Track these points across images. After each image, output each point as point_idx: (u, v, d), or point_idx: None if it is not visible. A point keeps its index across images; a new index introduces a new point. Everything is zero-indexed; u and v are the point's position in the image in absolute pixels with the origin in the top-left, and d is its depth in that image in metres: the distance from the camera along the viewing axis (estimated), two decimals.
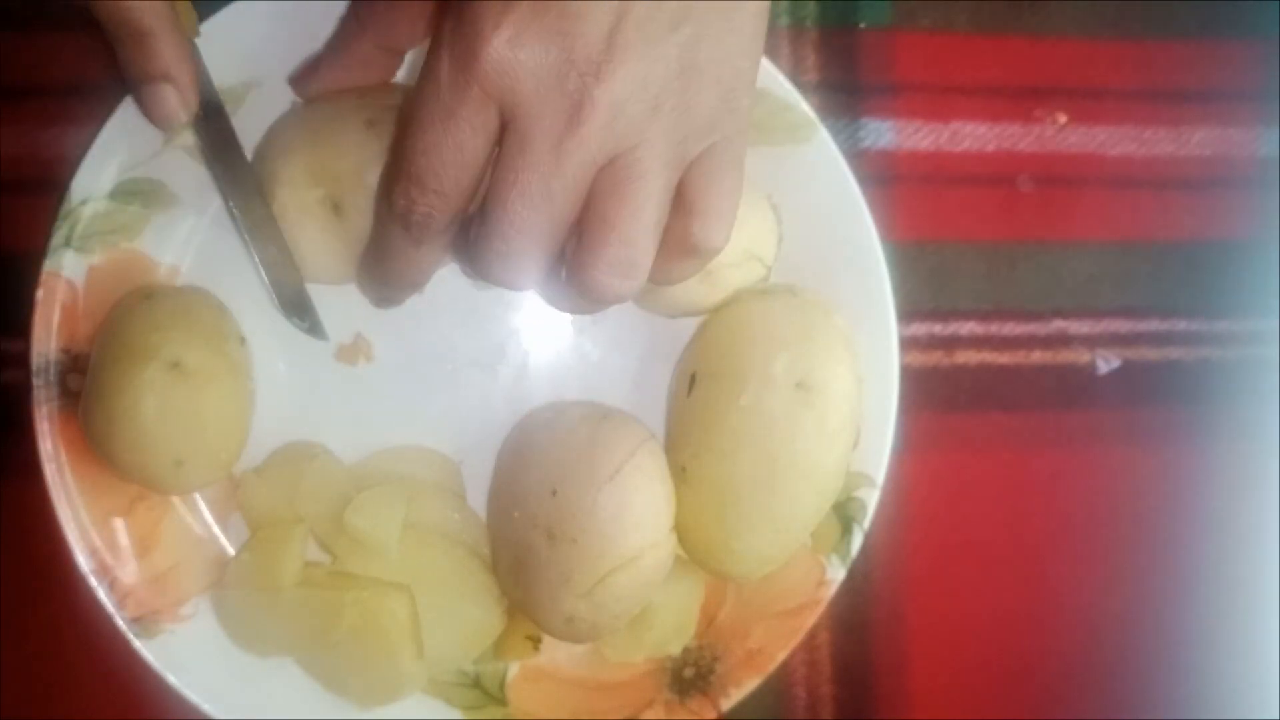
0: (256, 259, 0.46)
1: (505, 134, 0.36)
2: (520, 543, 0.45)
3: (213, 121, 0.45)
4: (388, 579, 0.46)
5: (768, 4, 0.39)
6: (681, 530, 0.45)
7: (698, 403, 0.46)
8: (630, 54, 0.35)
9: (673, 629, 0.48)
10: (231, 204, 0.46)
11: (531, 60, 0.35)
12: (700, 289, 0.46)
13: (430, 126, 0.37)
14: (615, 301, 0.39)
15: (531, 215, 0.37)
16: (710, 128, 0.38)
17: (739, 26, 0.38)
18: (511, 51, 0.35)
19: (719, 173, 0.39)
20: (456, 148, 0.37)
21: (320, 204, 0.45)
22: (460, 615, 0.47)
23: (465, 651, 0.47)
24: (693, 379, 0.46)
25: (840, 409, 0.45)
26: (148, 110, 0.43)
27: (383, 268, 0.41)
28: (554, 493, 0.44)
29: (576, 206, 0.37)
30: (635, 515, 0.43)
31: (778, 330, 0.45)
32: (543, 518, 0.44)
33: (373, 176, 0.44)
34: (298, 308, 0.47)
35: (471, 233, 0.38)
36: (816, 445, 0.44)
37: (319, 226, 0.45)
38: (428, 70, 0.37)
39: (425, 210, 0.38)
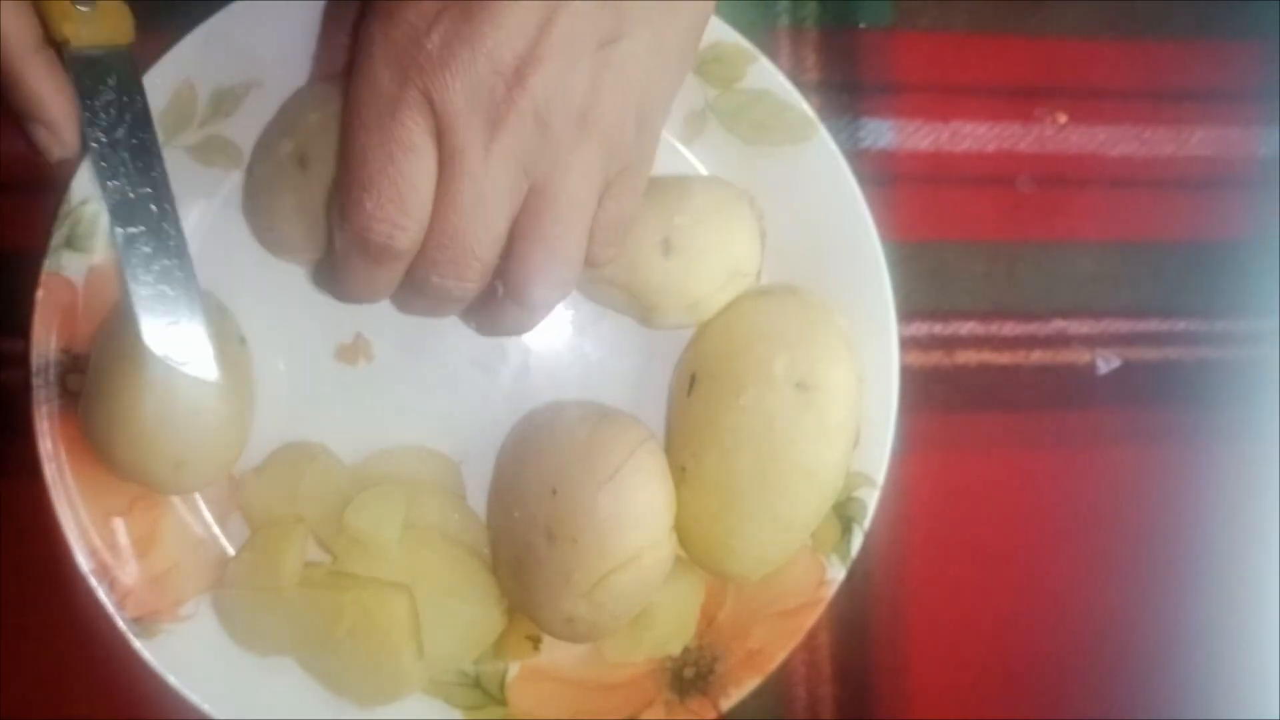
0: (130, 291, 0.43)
1: (439, 144, 0.36)
2: (520, 542, 0.45)
3: (134, 136, 0.43)
4: (388, 579, 0.46)
5: (703, 21, 0.38)
6: (681, 530, 0.45)
7: (698, 403, 0.46)
8: (551, 62, 0.35)
9: (673, 629, 0.48)
10: (118, 227, 0.43)
11: (461, 66, 0.35)
12: (688, 318, 0.47)
13: (373, 128, 0.36)
14: (546, 314, 0.41)
15: (468, 225, 0.36)
16: (628, 150, 0.38)
17: (669, 47, 0.37)
18: (443, 55, 0.35)
19: (623, 199, 0.39)
20: (408, 148, 0.36)
21: (290, 160, 0.44)
22: (460, 615, 0.46)
23: (465, 651, 0.47)
24: (693, 379, 0.46)
25: (840, 409, 0.45)
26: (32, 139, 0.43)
27: (345, 289, 0.40)
28: (554, 492, 0.44)
29: (510, 215, 0.37)
30: (635, 515, 0.43)
31: (778, 330, 0.45)
32: (543, 518, 0.44)
33: (335, 127, 0.42)
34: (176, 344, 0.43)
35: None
36: (816, 445, 0.44)
37: (290, 188, 0.44)
38: (363, 72, 0.36)
39: (386, 230, 0.37)
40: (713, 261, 0.46)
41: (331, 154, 0.43)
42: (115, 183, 0.43)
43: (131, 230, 0.43)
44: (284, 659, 0.46)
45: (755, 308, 0.47)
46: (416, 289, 0.39)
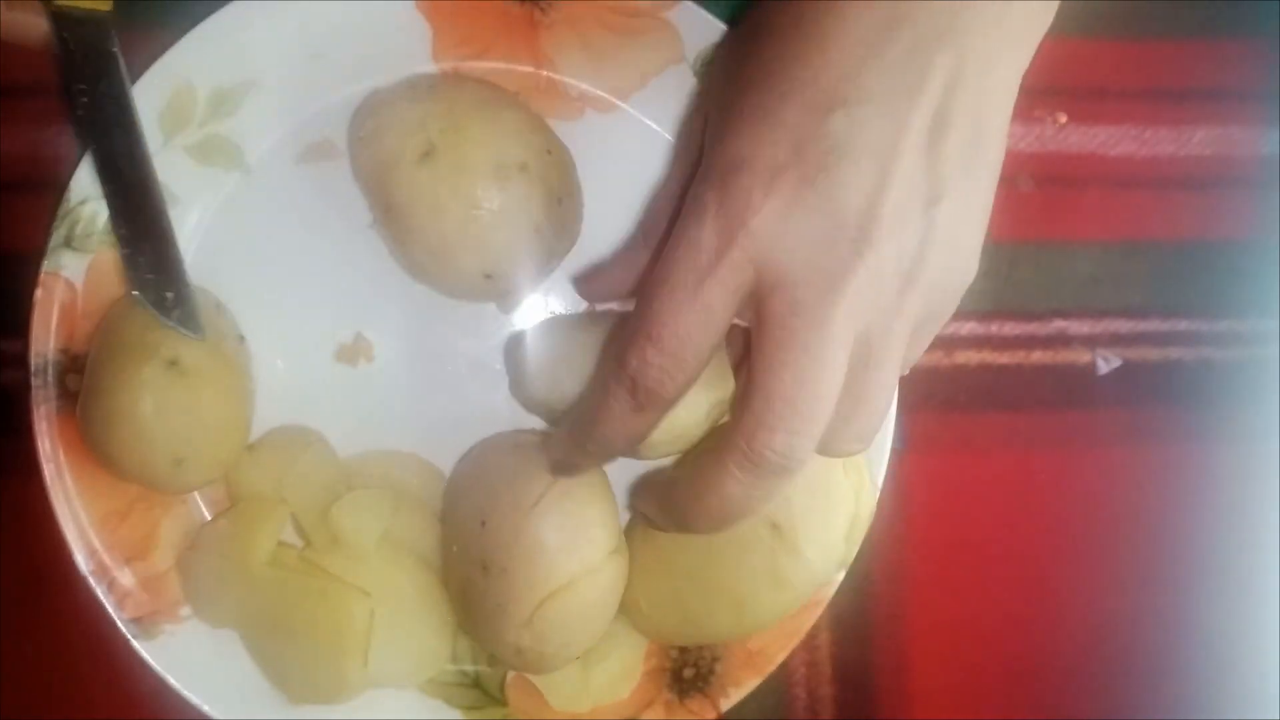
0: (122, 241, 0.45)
1: (767, 304, 0.36)
2: (461, 576, 0.45)
3: (102, 84, 0.44)
4: (353, 583, 0.45)
5: (995, 183, 0.38)
6: (644, 612, 0.45)
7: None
8: (889, 222, 0.35)
9: (619, 674, 0.47)
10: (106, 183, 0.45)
11: (802, 229, 0.35)
12: (670, 449, 0.44)
13: (682, 286, 0.36)
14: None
15: (802, 389, 0.36)
16: (939, 305, 0.38)
17: (978, 207, 0.38)
18: (781, 222, 0.35)
19: (917, 348, 0.39)
20: (705, 308, 0.36)
21: (415, 152, 0.44)
22: (411, 639, 0.46)
23: (406, 674, 0.46)
24: None
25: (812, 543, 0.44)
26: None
27: (593, 430, 0.40)
28: (483, 524, 0.44)
29: (841, 379, 0.36)
30: (564, 541, 0.43)
31: None
32: (475, 550, 0.44)
33: (468, 120, 0.44)
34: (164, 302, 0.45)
35: (728, 439, 0.37)
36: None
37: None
38: (685, 237, 0.37)
39: (658, 376, 0.37)
40: (698, 393, 0.42)
41: (454, 144, 0.44)
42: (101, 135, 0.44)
43: (112, 186, 0.45)
44: (244, 633, 0.46)
45: None
46: (743, 459, 0.37)
